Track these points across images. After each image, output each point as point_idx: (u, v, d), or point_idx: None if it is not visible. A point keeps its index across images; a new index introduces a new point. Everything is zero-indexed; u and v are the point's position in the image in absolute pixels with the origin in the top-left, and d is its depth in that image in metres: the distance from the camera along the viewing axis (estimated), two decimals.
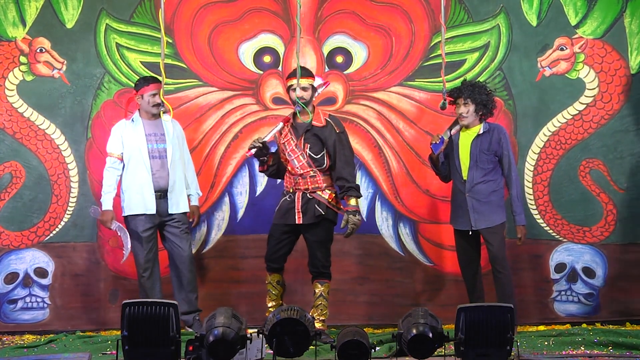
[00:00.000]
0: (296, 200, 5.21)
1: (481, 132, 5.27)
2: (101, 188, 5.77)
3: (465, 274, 5.38)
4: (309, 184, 5.22)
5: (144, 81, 5.38)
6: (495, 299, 5.22)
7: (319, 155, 5.21)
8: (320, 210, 5.16)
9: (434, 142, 5.27)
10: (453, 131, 5.33)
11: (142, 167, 5.32)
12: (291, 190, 5.25)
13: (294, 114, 5.27)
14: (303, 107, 5.21)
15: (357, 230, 5.19)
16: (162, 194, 5.35)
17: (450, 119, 5.49)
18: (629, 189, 5.88)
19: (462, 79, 5.50)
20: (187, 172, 5.50)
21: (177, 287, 5.43)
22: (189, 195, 5.50)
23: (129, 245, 5.33)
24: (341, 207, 5.24)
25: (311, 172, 5.21)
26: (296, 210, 5.19)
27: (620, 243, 5.87)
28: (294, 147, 5.23)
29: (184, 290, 5.40)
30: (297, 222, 5.18)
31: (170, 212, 5.36)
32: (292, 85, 5.20)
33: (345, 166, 5.17)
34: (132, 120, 5.38)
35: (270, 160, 5.28)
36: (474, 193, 5.24)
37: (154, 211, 5.32)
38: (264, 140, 5.20)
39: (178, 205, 5.39)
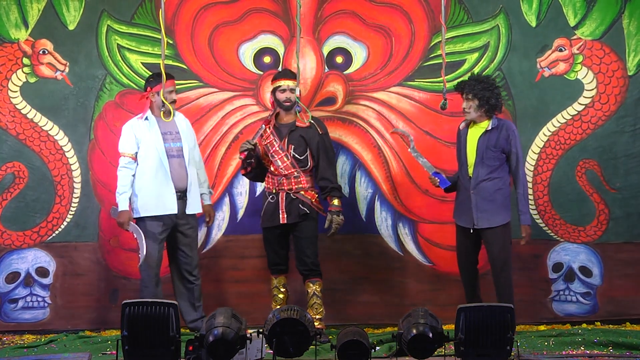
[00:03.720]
0: (280, 200, 5.25)
1: (489, 128, 5.19)
2: (103, 188, 5.82)
3: (462, 270, 5.33)
4: (293, 184, 5.26)
5: (158, 77, 5.18)
6: (492, 299, 5.21)
7: (303, 157, 5.27)
8: (305, 209, 5.22)
9: (435, 185, 5.34)
10: (462, 125, 5.29)
11: (160, 167, 5.21)
12: (274, 191, 5.29)
13: (276, 115, 5.34)
14: (304, 107, 5.25)
15: (344, 230, 5.25)
16: (181, 194, 5.26)
17: (450, 119, 5.51)
18: (622, 189, 5.88)
19: (465, 76, 5.49)
20: (199, 170, 5.43)
21: (180, 295, 5.36)
22: (202, 195, 5.44)
23: (145, 248, 5.17)
24: (321, 207, 5.29)
25: (295, 173, 5.27)
26: (280, 211, 5.23)
27: (613, 242, 5.87)
28: (277, 148, 5.28)
29: (190, 299, 5.34)
30: (281, 222, 5.23)
31: (187, 212, 5.26)
32: (280, 86, 5.27)
33: (328, 167, 5.25)
34: (146, 118, 5.27)
35: (254, 163, 5.33)
36: (478, 190, 5.17)
37: (175, 211, 5.21)
38: (254, 142, 5.25)
39: (194, 205, 5.31)
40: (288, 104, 5.28)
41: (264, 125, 5.32)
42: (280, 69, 5.83)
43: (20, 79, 5.85)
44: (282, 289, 5.36)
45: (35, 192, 5.84)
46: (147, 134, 5.24)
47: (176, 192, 5.24)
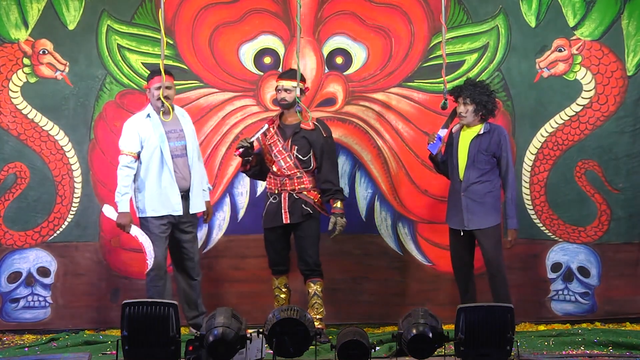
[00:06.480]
0: (282, 200, 5.26)
1: (481, 132, 5.26)
2: (104, 188, 5.83)
3: (457, 273, 5.37)
4: (296, 184, 5.28)
5: (150, 74, 5.28)
6: (489, 299, 5.23)
7: (306, 157, 5.28)
8: (308, 209, 5.23)
9: (430, 142, 5.29)
10: (454, 129, 5.33)
11: (165, 166, 5.13)
12: (276, 192, 5.30)
13: (280, 115, 5.35)
14: (304, 107, 5.26)
15: (343, 230, 5.25)
16: (185, 194, 5.20)
17: None
18: (624, 190, 5.90)
19: (465, 77, 5.50)
20: (198, 165, 5.37)
21: (183, 292, 5.35)
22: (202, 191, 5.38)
23: (152, 252, 5.10)
24: (325, 208, 5.30)
25: (298, 173, 5.28)
26: (283, 211, 5.24)
27: (613, 242, 5.89)
28: (280, 149, 5.29)
29: (193, 296, 5.34)
30: (284, 222, 5.23)
31: (191, 212, 5.22)
32: (277, 86, 5.28)
33: (332, 169, 5.27)
34: (148, 115, 5.20)
35: (254, 161, 5.34)
36: (469, 193, 5.23)
37: (181, 212, 5.15)
38: (251, 140, 5.27)
39: (197, 205, 5.26)
40: (283, 103, 5.28)
41: (267, 125, 5.34)
42: (280, 69, 5.85)
43: (20, 79, 5.86)
44: (284, 289, 5.37)
45: (36, 192, 5.85)
46: (151, 134, 5.16)
47: (180, 192, 5.19)
